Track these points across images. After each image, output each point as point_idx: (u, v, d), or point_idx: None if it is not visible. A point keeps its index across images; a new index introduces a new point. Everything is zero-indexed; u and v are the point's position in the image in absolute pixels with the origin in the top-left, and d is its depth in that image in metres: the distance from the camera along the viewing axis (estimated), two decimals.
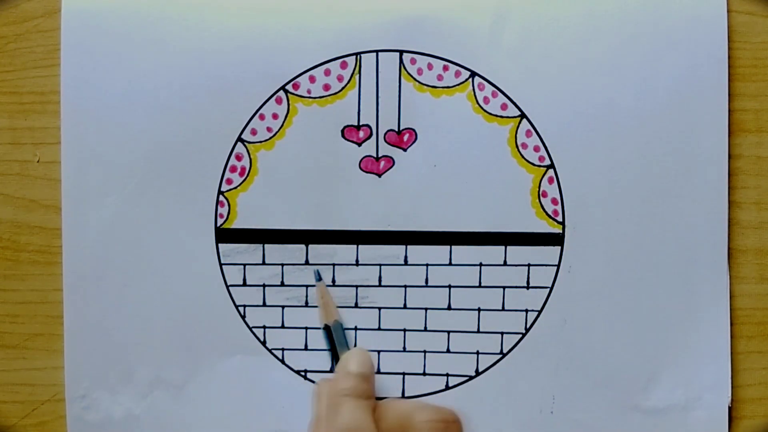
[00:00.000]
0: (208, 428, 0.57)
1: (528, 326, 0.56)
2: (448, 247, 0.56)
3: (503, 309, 0.57)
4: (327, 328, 0.48)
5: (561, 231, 0.56)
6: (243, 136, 0.56)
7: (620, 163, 0.56)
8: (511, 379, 0.56)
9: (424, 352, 0.57)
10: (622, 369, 0.56)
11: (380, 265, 0.57)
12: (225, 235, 0.57)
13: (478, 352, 0.57)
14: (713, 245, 0.56)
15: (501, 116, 0.56)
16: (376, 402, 0.42)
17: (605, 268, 0.56)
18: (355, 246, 0.57)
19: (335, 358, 0.47)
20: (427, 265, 0.57)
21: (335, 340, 0.48)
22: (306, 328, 0.57)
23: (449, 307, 0.57)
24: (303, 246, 0.57)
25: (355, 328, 0.57)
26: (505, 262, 0.56)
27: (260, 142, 0.56)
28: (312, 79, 0.56)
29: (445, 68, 0.56)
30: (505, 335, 0.57)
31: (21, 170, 0.57)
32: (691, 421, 0.56)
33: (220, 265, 0.57)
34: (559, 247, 0.56)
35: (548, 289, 0.56)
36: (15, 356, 0.58)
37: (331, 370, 0.56)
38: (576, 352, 0.56)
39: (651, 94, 0.55)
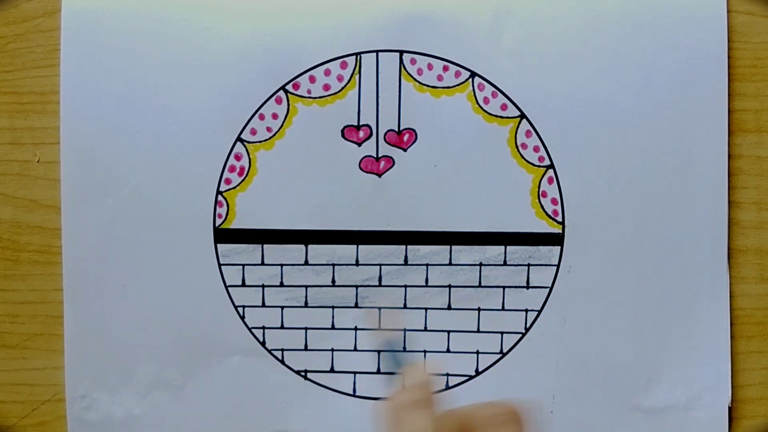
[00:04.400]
0: (208, 428, 0.57)
1: (528, 326, 0.56)
2: (448, 247, 0.56)
3: (503, 309, 0.57)
4: (387, 345, 0.48)
5: (561, 231, 0.56)
6: (242, 136, 0.56)
7: (620, 163, 0.55)
8: (511, 379, 0.56)
9: (424, 352, 0.57)
10: (622, 369, 0.56)
11: (380, 265, 0.57)
12: (224, 236, 0.57)
13: (478, 352, 0.57)
14: (713, 245, 0.56)
15: (501, 116, 0.56)
16: (439, 412, 0.42)
17: (605, 268, 0.56)
18: (355, 246, 0.57)
19: (394, 373, 0.46)
20: (427, 265, 0.57)
21: (396, 356, 0.47)
22: (306, 329, 0.57)
23: (449, 307, 0.57)
24: (302, 246, 0.57)
25: (355, 329, 0.57)
26: (505, 262, 0.56)
27: (260, 141, 0.56)
28: (312, 79, 0.56)
29: (445, 68, 0.56)
30: (505, 335, 0.57)
31: (21, 170, 0.57)
32: (691, 421, 0.56)
33: (219, 265, 0.57)
34: (559, 247, 0.56)
35: (548, 289, 0.56)
36: (15, 356, 0.58)
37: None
38: (576, 352, 0.56)
39: (651, 93, 0.55)
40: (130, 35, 0.56)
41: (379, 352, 0.49)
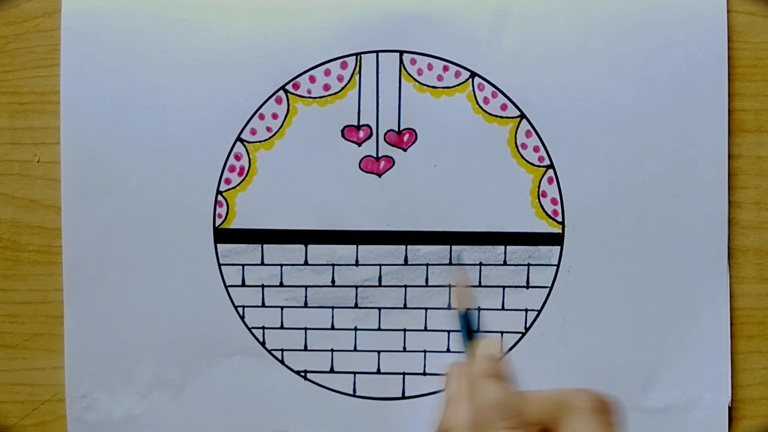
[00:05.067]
0: (208, 428, 0.57)
1: (528, 326, 0.56)
2: (448, 247, 0.56)
3: (503, 309, 0.57)
4: (464, 315, 0.47)
5: (561, 231, 0.56)
6: (242, 136, 0.56)
7: (620, 162, 0.55)
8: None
9: (424, 352, 0.57)
10: (622, 369, 0.56)
11: (380, 265, 0.57)
12: (224, 236, 0.57)
13: None
14: (713, 245, 0.55)
15: (501, 116, 0.56)
16: (521, 390, 0.41)
17: (605, 268, 0.56)
18: (355, 246, 0.57)
19: (468, 344, 0.46)
20: (427, 265, 0.57)
21: (472, 326, 0.47)
22: (305, 329, 0.57)
23: (449, 307, 0.57)
24: (302, 246, 0.57)
25: (355, 329, 0.57)
26: (505, 262, 0.56)
27: (260, 141, 0.56)
28: (312, 79, 0.56)
29: (445, 68, 0.56)
30: (505, 335, 0.57)
31: (21, 170, 0.57)
32: (691, 421, 0.56)
33: (219, 265, 0.57)
34: (559, 247, 0.56)
35: (548, 289, 0.56)
36: (15, 356, 0.58)
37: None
38: (576, 352, 0.56)
39: (651, 93, 0.55)
40: (130, 35, 0.56)
41: (462, 317, 0.48)
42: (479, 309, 0.57)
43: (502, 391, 0.40)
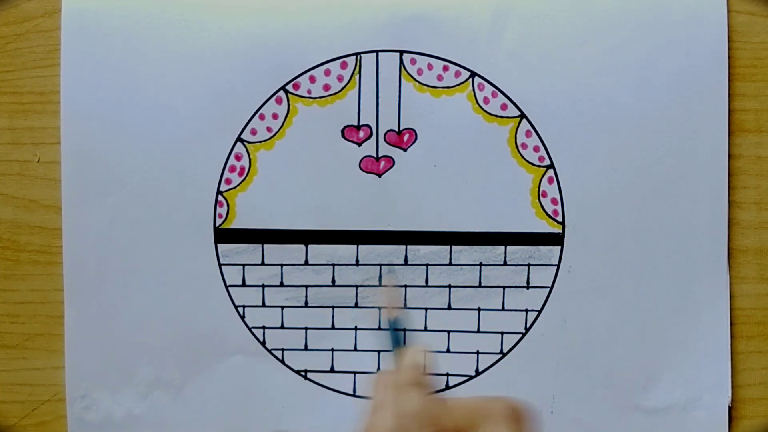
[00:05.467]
0: (208, 428, 0.57)
1: (528, 326, 0.56)
2: (448, 247, 0.56)
3: (503, 309, 0.57)
4: (392, 323, 0.48)
5: (561, 231, 0.56)
6: (243, 136, 0.56)
7: (620, 163, 0.55)
8: (511, 379, 0.56)
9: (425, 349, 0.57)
10: (622, 369, 0.56)
11: (380, 265, 0.57)
12: (224, 236, 0.57)
13: (478, 352, 0.57)
14: (713, 245, 0.56)
15: (501, 116, 0.56)
16: (439, 399, 0.43)
17: (605, 268, 0.56)
18: (355, 246, 0.57)
19: (396, 352, 0.47)
20: (427, 265, 0.57)
21: (400, 335, 0.48)
22: (306, 329, 0.57)
23: (449, 307, 0.57)
24: (302, 246, 0.57)
25: (355, 329, 0.57)
26: (505, 262, 0.56)
27: (260, 142, 0.56)
28: (312, 79, 0.56)
29: (445, 68, 0.56)
30: (505, 335, 0.57)
31: (21, 170, 0.57)
32: (691, 421, 0.56)
33: (219, 265, 0.57)
34: (559, 247, 0.56)
35: (548, 289, 0.56)
36: (15, 356, 0.58)
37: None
38: (576, 352, 0.56)
39: (651, 94, 0.55)
40: (130, 35, 0.56)
41: (391, 326, 0.49)
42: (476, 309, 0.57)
43: (423, 400, 0.42)
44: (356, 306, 0.57)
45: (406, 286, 0.57)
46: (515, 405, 0.41)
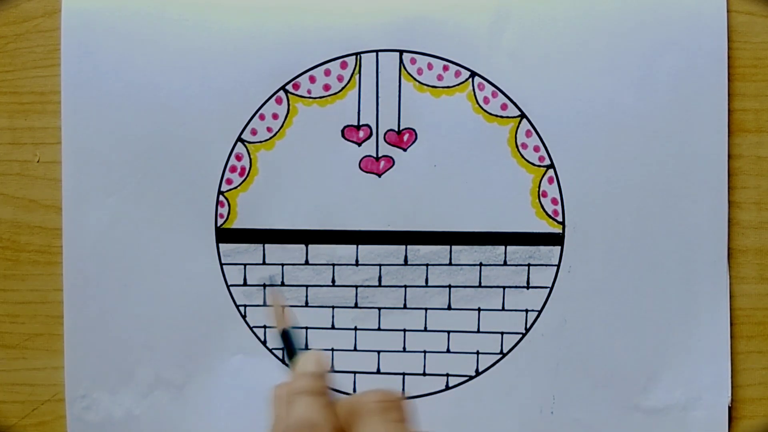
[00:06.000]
0: (208, 428, 0.57)
1: (528, 326, 0.56)
2: (448, 247, 0.56)
3: (503, 309, 0.57)
4: (284, 334, 0.48)
5: (561, 231, 0.56)
6: (243, 136, 0.56)
7: (620, 163, 0.56)
8: (511, 379, 0.56)
9: (424, 352, 0.57)
10: (622, 369, 0.56)
11: (380, 265, 0.57)
12: (225, 235, 0.57)
13: (478, 352, 0.57)
14: (713, 245, 0.56)
15: (501, 116, 0.56)
16: (333, 400, 0.43)
17: (605, 268, 0.56)
18: (355, 246, 0.57)
19: (291, 361, 0.47)
20: (427, 265, 0.57)
21: (293, 344, 0.48)
22: (306, 328, 0.57)
23: (449, 307, 0.57)
24: (303, 246, 0.57)
25: (355, 329, 0.57)
26: (505, 262, 0.56)
27: (260, 142, 0.56)
28: (312, 79, 0.56)
29: (445, 68, 0.56)
30: (505, 335, 0.57)
31: (21, 170, 0.57)
32: (691, 421, 0.56)
33: (221, 264, 0.57)
34: (559, 247, 0.56)
35: (548, 289, 0.56)
36: (15, 356, 0.58)
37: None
38: (576, 352, 0.56)
39: (651, 93, 0.55)
40: (130, 35, 0.56)
41: (282, 336, 0.49)
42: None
43: (311, 407, 0.41)
44: (356, 306, 0.57)
45: (406, 287, 0.57)
46: (386, 396, 0.41)
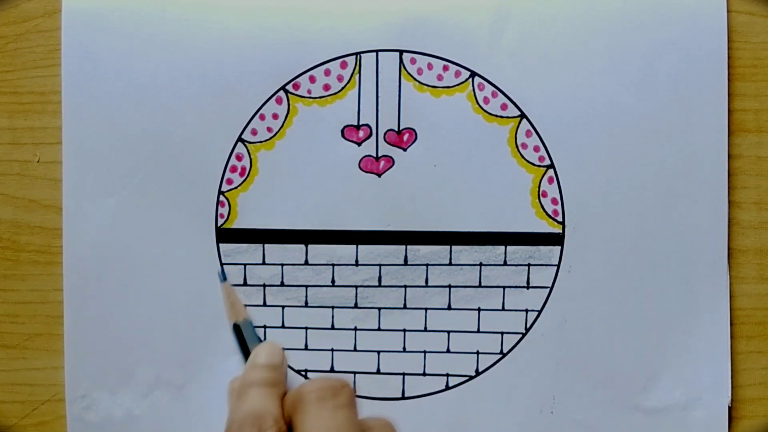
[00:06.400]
0: (208, 428, 0.57)
1: (528, 326, 0.56)
2: (448, 247, 0.56)
3: (503, 309, 0.57)
4: (236, 327, 0.48)
5: (561, 231, 0.56)
6: (243, 136, 0.56)
7: (620, 163, 0.56)
8: (511, 379, 0.56)
9: (424, 352, 0.57)
10: (622, 369, 0.56)
11: (380, 265, 0.57)
12: (225, 235, 0.57)
13: (478, 352, 0.57)
14: (713, 245, 0.56)
15: (501, 116, 0.56)
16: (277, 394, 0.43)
17: (605, 268, 0.56)
18: (355, 246, 0.57)
19: (246, 355, 0.47)
20: (427, 265, 0.57)
21: (246, 337, 0.48)
22: (306, 328, 0.57)
23: (449, 307, 0.57)
24: (303, 246, 0.57)
25: (355, 329, 0.57)
26: (505, 262, 0.56)
27: (260, 142, 0.56)
28: (312, 79, 0.56)
29: (445, 68, 0.56)
30: (505, 335, 0.57)
31: (21, 170, 0.57)
32: (691, 421, 0.56)
33: (221, 264, 0.57)
34: (559, 247, 0.56)
35: (548, 289, 0.56)
36: (15, 356, 0.58)
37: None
38: (576, 352, 0.56)
39: (651, 93, 0.55)
40: (130, 35, 0.56)
41: (235, 329, 0.49)
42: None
43: (261, 398, 0.41)
44: (356, 306, 0.57)
45: (406, 287, 0.57)
46: (324, 382, 0.41)
